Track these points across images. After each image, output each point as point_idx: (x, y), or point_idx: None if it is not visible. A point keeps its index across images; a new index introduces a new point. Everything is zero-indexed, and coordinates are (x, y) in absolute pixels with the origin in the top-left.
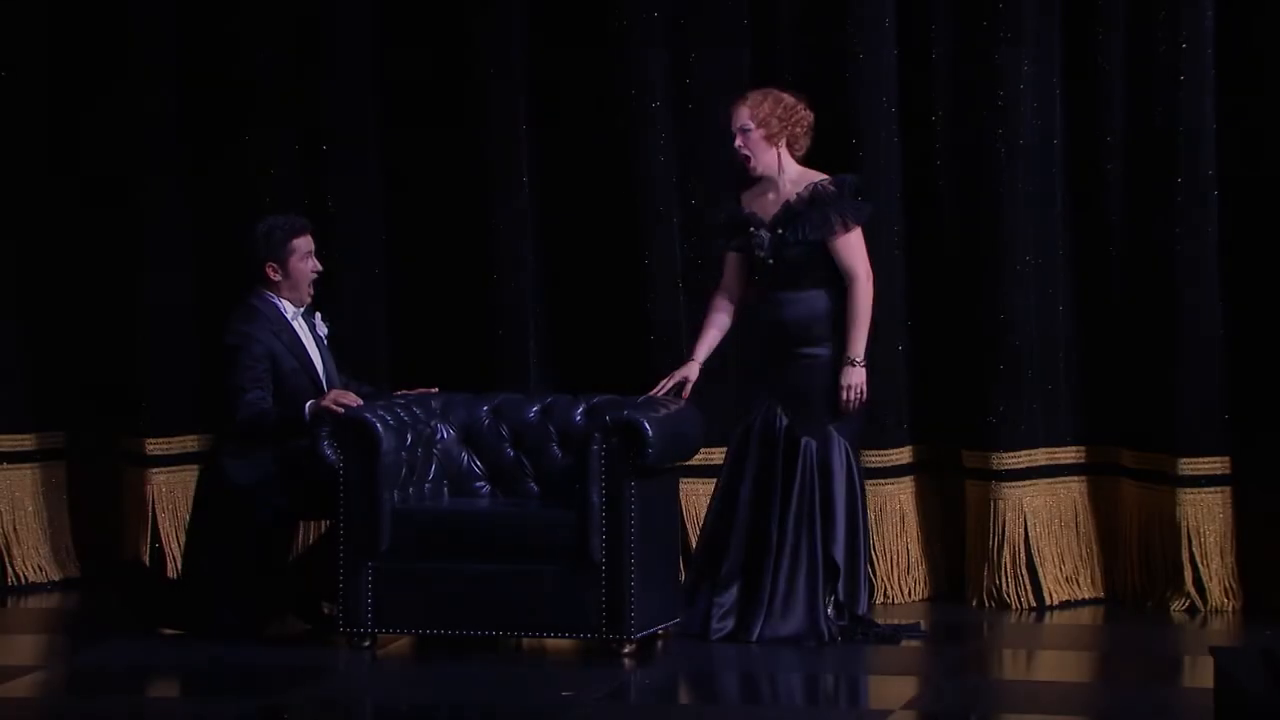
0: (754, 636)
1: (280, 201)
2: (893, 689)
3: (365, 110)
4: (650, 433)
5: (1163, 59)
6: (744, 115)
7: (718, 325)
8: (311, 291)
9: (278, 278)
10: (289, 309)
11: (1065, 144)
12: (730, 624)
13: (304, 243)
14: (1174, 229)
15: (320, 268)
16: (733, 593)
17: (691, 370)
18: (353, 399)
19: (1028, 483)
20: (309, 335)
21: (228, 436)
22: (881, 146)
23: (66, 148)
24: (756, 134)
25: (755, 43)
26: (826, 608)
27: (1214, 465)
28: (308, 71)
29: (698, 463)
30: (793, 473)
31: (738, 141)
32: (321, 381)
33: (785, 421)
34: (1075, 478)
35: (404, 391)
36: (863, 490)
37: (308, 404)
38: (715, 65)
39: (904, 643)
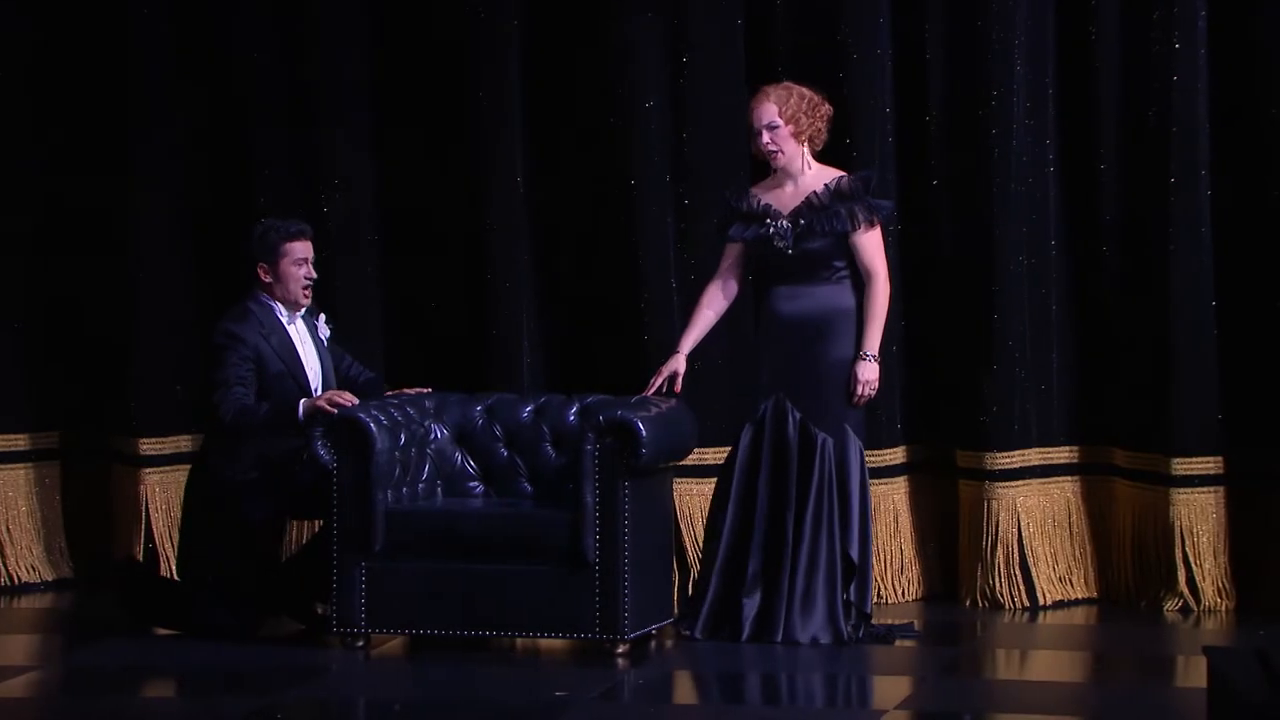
0: (779, 637)
1: (275, 201)
2: (886, 689)
3: (359, 110)
4: (644, 433)
5: (1156, 59)
6: (771, 112)
7: (705, 318)
8: (306, 296)
9: (268, 279)
10: (284, 312)
11: (1058, 144)
12: (756, 626)
13: (299, 248)
14: (1167, 229)
15: (314, 276)
16: (759, 594)
17: (678, 363)
18: (348, 399)
19: (1021, 483)
20: (307, 339)
21: (215, 435)
22: (875, 146)
23: (61, 149)
24: (785, 130)
25: (749, 42)
26: (845, 608)
27: (1207, 465)
28: (302, 72)
29: (691, 463)
30: (810, 469)
31: (765, 138)
32: (310, 387)
33: (799, 416)
34: (1069, 478)
35: (397, 391)
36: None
37: (301, 402)
38: (709, 65)
39: (898, 642)
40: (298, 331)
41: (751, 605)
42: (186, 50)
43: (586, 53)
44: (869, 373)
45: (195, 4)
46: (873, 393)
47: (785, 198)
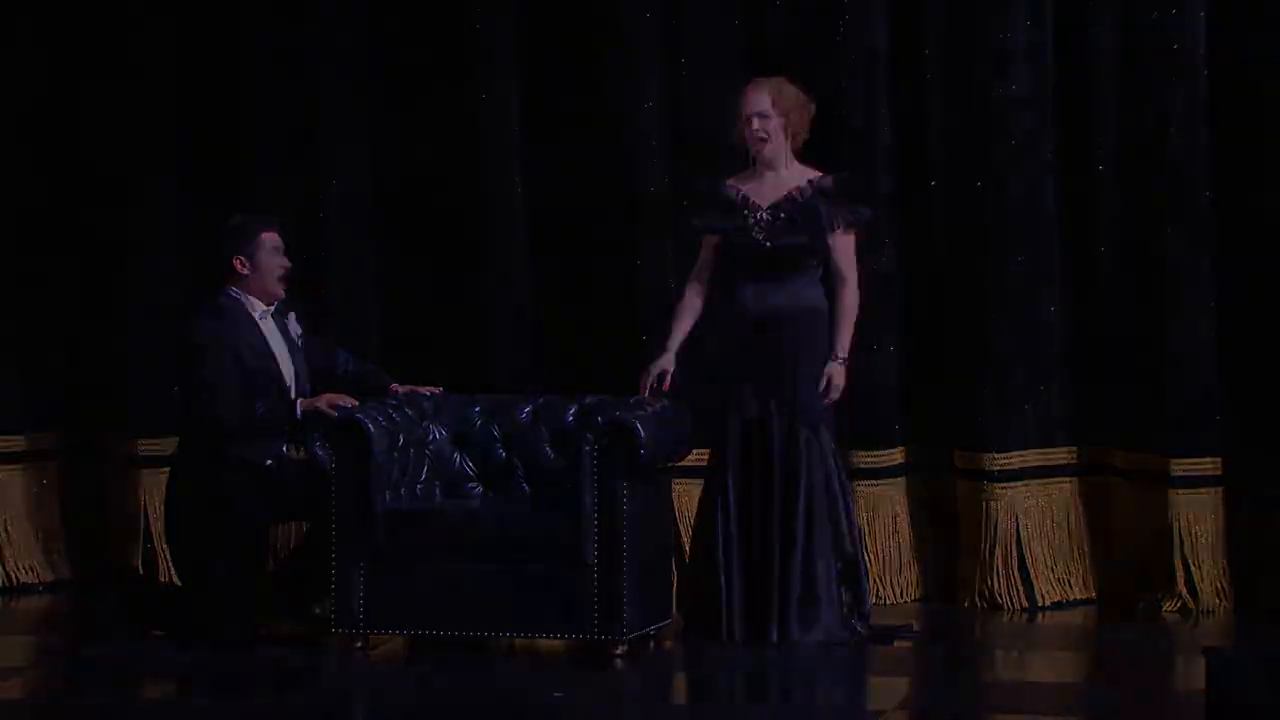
0: (786, 638)
1: (274, 201)
2: (885, 689)
3: (357, 110)
4: (642, 433)
5: (1155, 61)
6: (765, 101)
7: (689, 314)
8: (282, 288)
9: (245, 271)
10: (257, 307)
11: (1057, 144)
12: (765, 628)
13: (272, 237)
14: (1166, 229)
15: (288, 265)
16: (766, 596)
17: (667, 361)
18: (348, 400)
19: (1020, 483)
20: (279, 336)
21: (197, 437)
22: (875, 148)
23: (58, 149)
24: (777, 121)
25: (747, 43)
26: (844, 607)
27: (1206, 466)
28: (302, 71)
29: (690, 463)
30: (797, 468)
31: (755, 125)
32: (285, 383)
33: (785, 415)
34: (1067, 478)
35: (410, 389)
36: None
37: (298, 402)
38: (707, 66)
39: (896, 643)
40: (270, 328)
41: (762, 607)
42: (187, 49)
43: (585, 53)
44: (841, 376)
45: (197, 2)
46: (838, 395)
47: (765, 190)
